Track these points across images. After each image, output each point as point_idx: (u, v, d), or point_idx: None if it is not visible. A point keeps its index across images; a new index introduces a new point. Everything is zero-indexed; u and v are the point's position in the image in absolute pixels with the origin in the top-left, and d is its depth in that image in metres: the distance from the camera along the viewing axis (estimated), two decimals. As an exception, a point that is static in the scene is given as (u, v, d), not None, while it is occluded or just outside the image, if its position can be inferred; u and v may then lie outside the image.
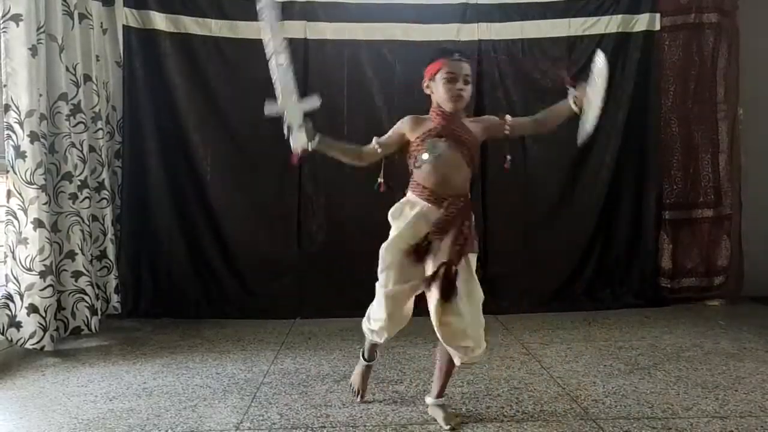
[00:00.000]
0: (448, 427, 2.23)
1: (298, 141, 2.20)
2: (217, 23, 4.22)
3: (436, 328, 2.18)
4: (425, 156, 2.22)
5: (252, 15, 4.19)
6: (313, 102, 2.18)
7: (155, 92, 4.16)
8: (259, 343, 3.54)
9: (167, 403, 2.58)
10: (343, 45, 4.27)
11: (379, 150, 2.29)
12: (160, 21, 4.15)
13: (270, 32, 2.08)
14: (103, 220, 3.87)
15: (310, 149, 2.24)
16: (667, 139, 4.33)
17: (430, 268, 2.19)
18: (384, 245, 2.28)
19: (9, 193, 3.21)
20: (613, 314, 4.08)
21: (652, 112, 4.33)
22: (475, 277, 2.23)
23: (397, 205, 2.32)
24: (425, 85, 2.28)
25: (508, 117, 2.31)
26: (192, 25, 4.20)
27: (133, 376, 2.94)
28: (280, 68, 2.13)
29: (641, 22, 4.33)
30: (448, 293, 2.11)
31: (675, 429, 2.21)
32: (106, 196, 3.87)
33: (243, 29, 4.23)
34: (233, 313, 4.13)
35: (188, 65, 4.18)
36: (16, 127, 3.17)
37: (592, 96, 2.26)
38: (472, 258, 2.25)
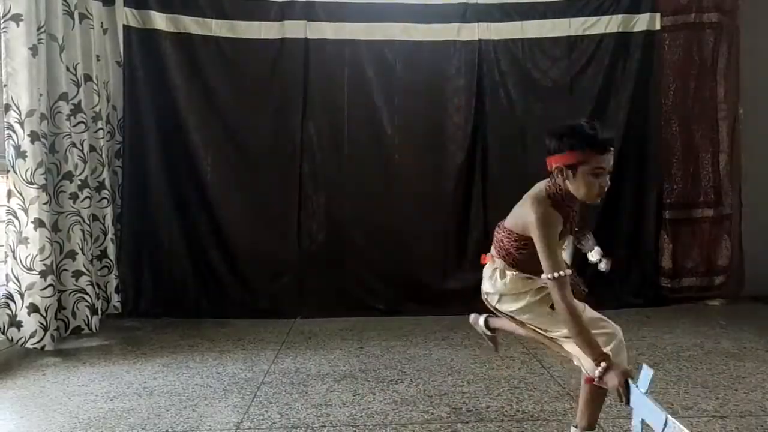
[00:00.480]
0: None
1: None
2: (218, 23, 4.22)
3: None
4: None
5: (251, 15, 4.24)
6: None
7: (155, 92, 4.16)
8: (260, 342, 3.54)
9: (167, 402, 2.58)
10: (344, 44, 4.27)
11: (569, 271, 1.96)
12: (160, 21, 4.15)
13: None
14: (104, 219, 3.87)
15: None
16: (668, 139, 4.33)
17: None
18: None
19: (9, 193, 3.21)
20: (613, 314, 4.04)
21: (653, 112, 4.33)
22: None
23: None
24: (556, 167, 1.95)
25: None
26: (192, 24, 4.20)
27: (134, 376, 2.94)
28: None
29: (641, 22, 4.33)
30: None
31: (675, 428, 2.21)
32: (107, 196, 3.87)
33: (243, 29, 4.23)
34: (234, 312, 4.12)
35: (188, 65, 4.18)
36: (17, 126, 3.17)
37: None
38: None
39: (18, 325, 3.18)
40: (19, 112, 3.18)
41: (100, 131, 3.82)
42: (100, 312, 3.70)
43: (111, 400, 2.62)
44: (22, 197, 3.20)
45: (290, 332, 3.76)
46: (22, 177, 3.19)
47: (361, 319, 3.95)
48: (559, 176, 1.95)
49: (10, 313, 3.17)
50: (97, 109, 3.80)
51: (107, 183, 3.89)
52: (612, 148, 1.88)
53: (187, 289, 4.20)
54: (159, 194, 4.20)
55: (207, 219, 4.24)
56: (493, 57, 4.33)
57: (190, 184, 4.22)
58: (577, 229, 2.21)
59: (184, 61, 4.17)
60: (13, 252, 3.21)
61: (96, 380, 2.89)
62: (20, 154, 3.18)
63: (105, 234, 3.88)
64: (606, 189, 1.91)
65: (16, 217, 3.21)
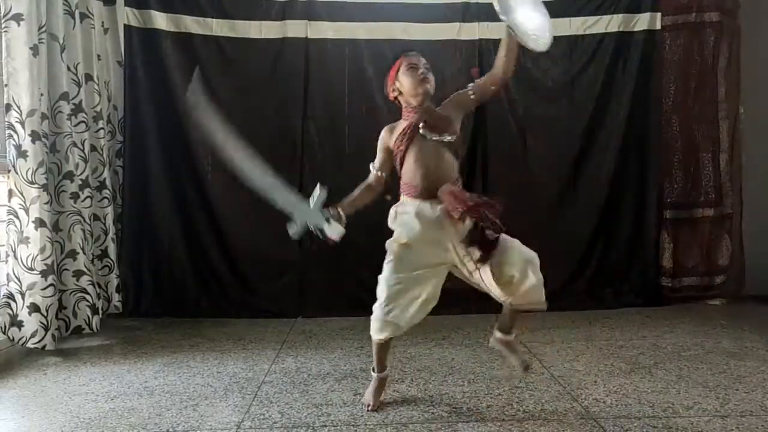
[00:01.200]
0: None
1: (336, 231, 2.26)
2: (218, 22, 4.22)
3: (503, 298, 2.28)
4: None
5: (252, 14, 4.24)
6: (320, 194, 2.27)
7: (156, 91, 4.16)
8: (260, 342, 3.54)
9: (168, 402, 2.58)
10: (345, 44, 4.27)
11: (380, 173, 2.41)
12: (161, 20, 4.16)
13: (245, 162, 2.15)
14: (105, 219, 3.88)
15: (344, 230, 2.30)
16: (668, 138, 4.33)
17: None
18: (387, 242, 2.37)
19: (10, 193, 3.21)
20: (614, 313, 4.08)
21: (653, 111, 4.33)
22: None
23: (391, 210, 2.41)
24: (391, 90, 2.38)
25: (470, 85, 2.40)
26: (193, 24, 4.20)
27: (135, 375, 2.95)
28: (271, 188, 2.15)
29: (642, 22, 4.33)
30: (486, 249, 2.19)
31: (676, 428, 2.22)
32: (108, 196, 3.88)
33: (244, 28, 4.24)
34: (234, 312, 4.13)
35: (189, 64, 4.18)
36: (18, 126, 3.18)
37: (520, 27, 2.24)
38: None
39: (19, 324, 3.19)
40: (20, 111, 3.18)
41: (101, 131, 3.83)
42: (100, 312, 3.70)
43: (112, 399, 2.63)
44: (23, 197, 3.21)
45: (291, 332, 3.77)
46: (23, 177, 3.19)
47: (361, 318, 3.91)
48: (395, 94, 2.40)
49: (11, 312, 3.17)
50: (97, 108, 3.80)
51: (108, 182, 3.89)
52: (414, 53, 2.36)
53: (187, 288, 4.21)
54: (160, 194, 4.20)
55: (208, 218, 4.24)
56: (494, 56, 4.30)
57: (190, 183, 4.23)
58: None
59: (185, 61, 4.17)
60: (14, 252, 3.21)
61: (97, 380, 2.89)
62: (21, 153, 3.18)
63: (106, 233, 3.89)
64: (428, 78, 2.31)
65: (17, 217, 3.21)
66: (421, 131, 2.30)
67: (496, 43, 4.26)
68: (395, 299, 2.33)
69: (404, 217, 2.33)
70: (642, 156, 4.36)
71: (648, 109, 4.33)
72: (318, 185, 2.24)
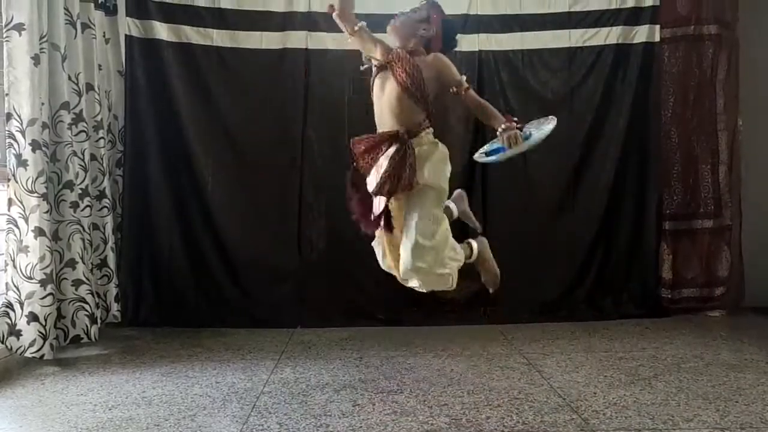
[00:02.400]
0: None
1: None
2: (219, 33, 4.24)
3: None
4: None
5: (253, 25, 4.26)
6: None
7: (157, 101, 4.18)
8: (259, 352, 3.54)
9: (166, 412, 2.58)
10: (344, 54, 4.28)
11: (358, 27, 2.50)
12: (162, 30, 4.17)
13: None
14: (104, 228, 3.87)
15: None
16: (667, 150, 4.34)
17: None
18: None
19: (10, 201, 3.21)
20: (613, 324, 4.07)
21: (652, 123, 4.34)
22: (421, 212, 2.39)
23: (437, 146, 2.62)
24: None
25: (466, 84, 2.50)
26: (194, 34, 4.22)
27: (133, 385, 2.94)
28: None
29: (641, 34, 4.34)
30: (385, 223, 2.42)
31: (675, 440, 2.21)
32: (107, 205, 3.88)
33: (244, 39, 4.25)
34: (233, 321, 4.12)
35: (190, 74, 4.20)
36: (18, 135, 3.18)
37: (518, 144, 2.37)
38: (420, 194, 2.40)
39: (17, 334, 3.17)
40: (21, 120, 3.18)
41: (101, 140, 3.83)
42: (99, 321, 3.69)
43: (110, 409, 2.62)
44: (23, 206, 3.20)
45: (290, 342, 3.76)
46: (22, 186, 3.19)
47: (361, 328, 3.95)
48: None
49: (9, 322, 3.16)
50: (98, 118, 3.81)
51: (108, 192, 3.89)
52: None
53: (186, 298, 4.20)
54: (159, 203, 4.20)
55: (207, 228, 4.24)
56: (494, 68, 4.34)
57: (190, 192, 4.23)
58: None
59: (186, 71, 4.19)
60: (13, 261, 3.20)
61: (95, 389, 2.88)
62: (21, 162, 3.18)
63: (105, 243, 3.88)
64: (389, 25, 2.57)
65: (17, 226, 3.21)
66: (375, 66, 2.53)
67: (495, 54, 4.33)
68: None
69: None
70: (641, 167, 4.37)
71: (647, 121, 4.35)
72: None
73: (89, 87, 3.72)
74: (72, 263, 3.51)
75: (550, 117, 2.49)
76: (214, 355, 3.47)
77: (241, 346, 3.65)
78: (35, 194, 3.21)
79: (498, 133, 2.41)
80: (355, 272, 4.17)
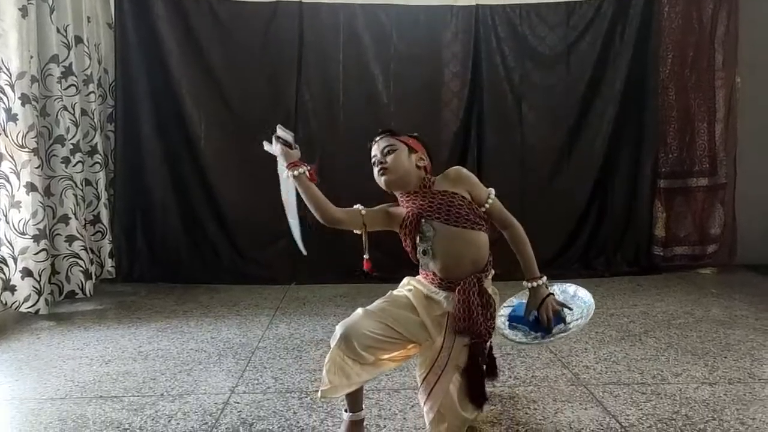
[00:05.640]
0: None
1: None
2: (211, -16, 4.14)
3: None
4: (421, 250, 1.99)
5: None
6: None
7: (148, 55, 4.09)
8: (254, 308, 3.56)
9: (162, 366, 2.60)
10: (339, 8, 4.20)
11: (360, 208, 2.08)
12: (151, -19, 4.07)
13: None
14: (97, 184, 3.85)
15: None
16: (664, 108, 4.31)
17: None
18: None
19: (1, 157, 3.18)
20: (606, 282, 4.10)
21: (650, 80, 4.29)
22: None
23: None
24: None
25: (492, 194, 2.01)
26: (185, -14, 4.12)
27: (129, 340, 2.96)
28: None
29: (641, -12, 4.27)
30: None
31: (664, 394, 2.25)
32: (99, 160, 3.85)
33: (237, -9, 4.16)
34: (228, 278, 4.13)
35: (181, 27, 4.10)
36: (7, 89, 3.13)
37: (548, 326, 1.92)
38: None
39: (12, 289, 3.18)
40: (10, 74, 3.13)
41: (92, 95, 3.78)
42: (94, 277, 3.70)
43: (106, 363, 2.64)
44: (14, 161, 3.18)
45: (284, 298, 3.78)
46: (13, 140, 3.16)
47: (354, 285, 3.97)
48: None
49: (3, 277, 3.17)
50: (88, 72, 3.75)
51: (100, 147, 3.86)
52: (379, 138, 2.05)
53: (181, 254, 4.20)
54: (152, 159, 4.16)
55: (200, 184, 4.21)
56: (490, 23, 4.26)
57: (183, 148, 4.18)
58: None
59: (177, 23, 4.09)
60: (6, 216, 3.20)
61: (91, 344, 2.90)
62: (11, 117, 3.15)
63: (98, 199, 3.86)
64: (387, 169, 1.99)
65: (8, 181, 3.19)
66: (424, 222, 1.97)
67: (493, 9, 4.25)
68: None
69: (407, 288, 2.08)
70: (637, 125, 4.33)
71: (644, 78, 4.29)
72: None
73: (78, 40, 3.65)
74: (65, 219, 3.50)
75: (583, 298, 2.04)
76: (209, 311, 3.49)
77: (236, 302, 3.67)
78: (26, 149, 3.18)
79: (528, 289, 1.99)
80: (349, 230, 4.16)
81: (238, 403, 2.23)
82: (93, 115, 3.79)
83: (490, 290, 1.97)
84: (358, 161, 4.32)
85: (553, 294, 1.98)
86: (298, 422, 2.07)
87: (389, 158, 1.97)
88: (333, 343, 1.87)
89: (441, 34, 4.24)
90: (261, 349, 2.83)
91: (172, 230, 4.20)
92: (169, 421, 2.09)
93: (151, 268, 4.17)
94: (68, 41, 3.53)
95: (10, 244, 3.19)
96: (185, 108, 4.13)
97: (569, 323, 1.91)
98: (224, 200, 4.22)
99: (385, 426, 2.03)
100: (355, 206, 2.08)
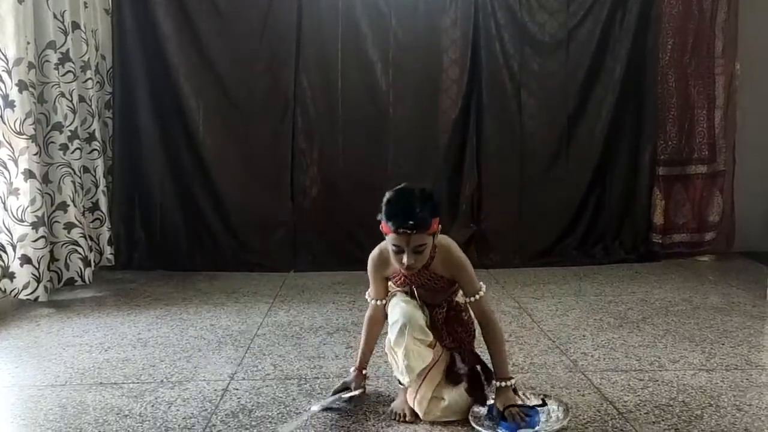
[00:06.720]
0: None
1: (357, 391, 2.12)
2: (209, -30, 4.11)
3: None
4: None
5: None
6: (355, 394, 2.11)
7: (145, 41, 4.07)
8: (253, 295, 3.56)
9: (162, 353, 2.61)
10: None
11: (379, 302, 2.06)
12: (149, -33, 4.04)
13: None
14: (95, 171, 3.84)
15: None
16: (664, 95, 4.29)
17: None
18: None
19: (-1, 143, 3.17)
20: (604, 269, 4.11)
21: (650, 67, 4.27)
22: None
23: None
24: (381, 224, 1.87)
25: (482, 292, 1.98)
26: (182, -29, 4.09)
27: (128, 327, 2.97)
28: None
29: (641, -26, 4.24)
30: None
31: (662, 381, 2.26)
32: (97, 147, 3.83)
33: (235, -23, 4.13)
34: (227, 266, 4.14)
35: (179, 14, 4.08)
36: (5, 75, 3.12)
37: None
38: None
39: (11, 276, 3.18)
40: (7, 60, 3.12)
41: (89, 81, 3.76)
42: (93, 264, 3.70)
43: (106, 350, 2.65)
44: (12, 147, 3.17)
45: (283, 286, 3.78)
46: (10, 127, 3.15)
47: (353, 273, 3.97)
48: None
49: (2, 264, 3.16)
50: (85, 58, 3.73)
51: (97, 134, 3.84)
52: (411, 232, 1.77)
53: (180, 242, 4.21)
54: (150, 146, 4.15)
55: (199, 171, 4.20)
56: (490, 10, 4.23)
57: (181, 136, 4.17)
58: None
59: (175, 9, 4.06)
60: (4, 203, 3.19)
61: (90, 331, 2.91)
62: (8, 103, 3.13)
63: (96, 186, 3.86)
64: (414, 267, 1.84)
65: (6, 168, 3.18)
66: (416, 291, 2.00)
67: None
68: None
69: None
70: (637, 112, 4.32)
71: (644, 64, 4.27)
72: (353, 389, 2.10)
73: (75, 25, 3.63)
74: (63, 206, 3.49)
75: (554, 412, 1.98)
76: (208, 298, 3.50)
77: (235, 289, 3.68)
78: (23, 136, 3.17)
79: (495, 391, 1.96)
80: (348, 218, 4.17)
81: (237, 389, 2.24)
82: (91, 101, 3.77)
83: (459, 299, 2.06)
84: (356, 147, 4.37)
85: (516, 404, 1.94)
86: (297, 409, 2.08)
87: (418, 258, 1.83)
88: (398, 336, 1.89)
89: (440, 21, 4.22)
90: (260, 336, 2.83)
91: (171, 217, 4.20)
92: (169, 407, 2.09)
93: (150, 255, 4.18)
94: (65, 27, 3.51)
95: (9, 232, 3.19)
96: (183, 95, 4.12)
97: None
98: (222, 187, 4.21)
99: (383, 412, 2.04)
100: (371, 302, 2.10)
